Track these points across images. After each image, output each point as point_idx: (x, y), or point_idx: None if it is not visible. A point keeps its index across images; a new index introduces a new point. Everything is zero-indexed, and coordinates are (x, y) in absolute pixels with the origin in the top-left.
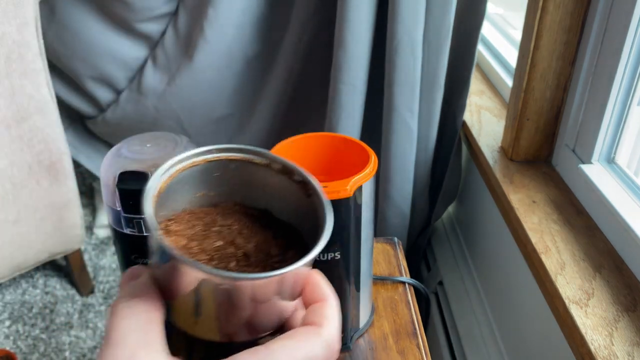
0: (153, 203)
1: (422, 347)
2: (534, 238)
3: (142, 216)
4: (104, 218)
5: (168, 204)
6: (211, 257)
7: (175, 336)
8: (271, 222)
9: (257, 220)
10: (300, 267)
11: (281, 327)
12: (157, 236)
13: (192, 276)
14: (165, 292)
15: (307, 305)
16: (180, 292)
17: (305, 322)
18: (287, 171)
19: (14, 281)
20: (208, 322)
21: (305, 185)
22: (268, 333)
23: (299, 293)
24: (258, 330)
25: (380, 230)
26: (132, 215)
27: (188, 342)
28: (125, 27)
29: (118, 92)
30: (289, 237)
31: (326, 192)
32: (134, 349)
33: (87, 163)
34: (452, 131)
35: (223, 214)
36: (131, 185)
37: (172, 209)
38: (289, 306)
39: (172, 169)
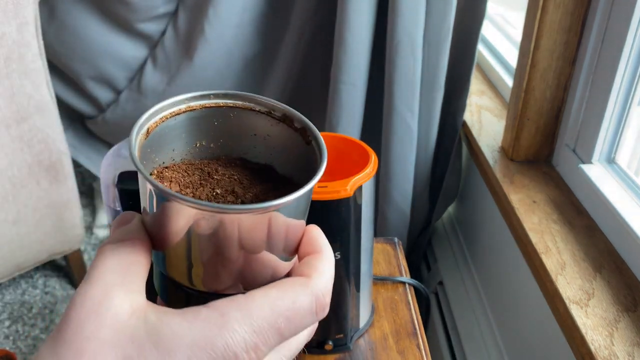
0: (139, 141)
1: (422, 347)
2: (534, 238)
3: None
4: (103, 218)
5: (164, 149)
6: None
7: (169, 287)
8: (273, 176)
9: (258, 173)
10: (290, 202)
11: None
12: (140, 170)
13: (177, 213)
14: (155, 240)
15: (300, 259)
16: (169, 238)
17: (294, 274)
18: (287, 118)
19: (14, 281)
20: (199, 272)
21: (305, 131)
22: None
23: (294, 249)
24: (250, 285)
25: (380, 230)
26: None
27: (181, 293)
28: (125, 27)
29: (118, 92)
30: (290, 191)
31: (326, 192)
32: (109, 287)
33: (87, 163)
34: (452, 131)
35: (225, 165)
36: (131, 185)
37: (170, 157)
38: (284, 265)
39: (164, 111)
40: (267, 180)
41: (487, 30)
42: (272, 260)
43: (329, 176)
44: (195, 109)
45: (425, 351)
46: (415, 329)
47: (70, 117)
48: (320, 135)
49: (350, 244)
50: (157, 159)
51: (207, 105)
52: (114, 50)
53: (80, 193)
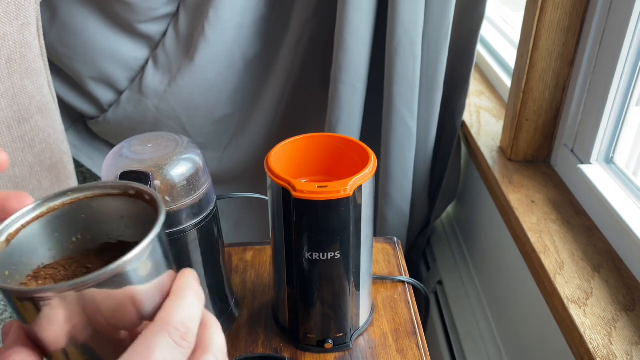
0: None
1: (421, 346)
2: (533, 238)
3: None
4: None
5: (39, 251)
6: None
7: None
8: None
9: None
10: (125, 265)
11: None
12: None
13: (30, 308)
14: (39, 346)
15: None
16: (45, 339)
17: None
18: (139, 194)
19: None
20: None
21: (153, 201)
22: None
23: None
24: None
25: (380, 230)
26: None
27: None
28: (127, 27)
29: (119, 93)
30: None
31: (326, 192)
32: None
33: (89, 163)
34: (451, 131)
35: (102, 252)
36: None
37: (49, 256)
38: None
39: (24, 218)
40: None
41: (486, 31)
42: (147, 316)
43: (328, 176)
44: (57, 208)
45: (425, 350)
46: (414, 328)
47: (72, 117)
48: (157, 195)
49: (350, 244)
50: (34, 262)
51: (66, 202)
52: (115, 51)
53: None
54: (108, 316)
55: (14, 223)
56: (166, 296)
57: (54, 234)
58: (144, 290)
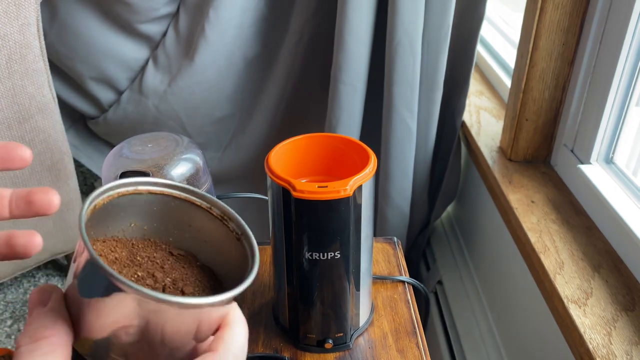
0: (87, 216)
1: (421, 346)
2: (533, 238)
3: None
4: None
5: (99, 225)
6: None
7: None
8: (193, 264)
9: (180, 260)
10: (216, 303)
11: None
12: (86, 244)
13: (116, 299)
14: (78, 324)
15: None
16: (97, 324)
17: (207, 350)
18: (224, 218)
19: (16, 280)
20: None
21: (239, 235)
22: None
23: (215, 332)
24: None
25: (380, 230)
26: None
27: None
28: (127, 28)
29: (119, 93)
30: (207, 281)
31: (326, 192)
32: None
33: (89, 163)
34: (451, 131)
35: (150, 248)
36: None
37: (103, 233)
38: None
39: (113, 190)
40: (187, 267)
41: (486, 31)
42: (193, 345)
43: (328, 176)
44: (141, 193)
45: (425, 350)
46: (414, 327)
47: (72, 117)
48: (254, 241)
49: (350, 244)
50: (92, 233)
51: (152, 191)
52: (115, 51)
53: (82, 193)
54: (166, 330)
55: (104, 193)
56: (218, 321)
57: (119, 213)
58: (211, 317)
